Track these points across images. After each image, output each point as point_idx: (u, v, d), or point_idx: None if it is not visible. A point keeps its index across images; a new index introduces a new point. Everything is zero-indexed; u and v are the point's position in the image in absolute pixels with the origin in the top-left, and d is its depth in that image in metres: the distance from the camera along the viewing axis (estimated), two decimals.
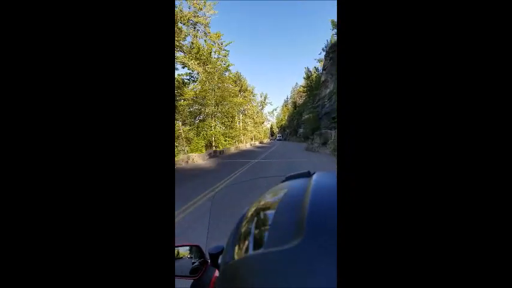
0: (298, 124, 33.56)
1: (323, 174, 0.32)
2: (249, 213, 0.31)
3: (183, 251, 0.67)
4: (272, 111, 64.97)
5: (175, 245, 0.66)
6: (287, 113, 55.05)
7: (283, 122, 56.02)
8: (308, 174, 0.34)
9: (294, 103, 48.95)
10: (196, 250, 0.67)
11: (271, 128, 73.76)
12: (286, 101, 57.96)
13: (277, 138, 57.23)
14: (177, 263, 0.64)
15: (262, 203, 0.32)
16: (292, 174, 0.36)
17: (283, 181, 0.36)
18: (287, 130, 53.97)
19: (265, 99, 49.67)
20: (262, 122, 48.14)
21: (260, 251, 0.24)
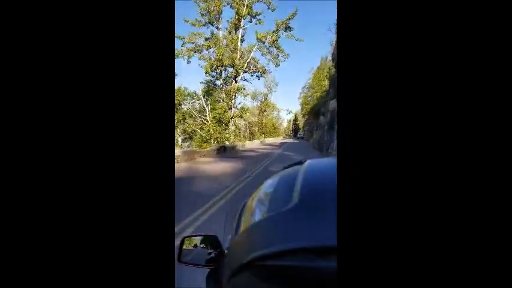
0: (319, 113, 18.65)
1: (315, 160, 0.36)
2: (249, 202, 0.34)
3: (200, 241, 0.68)
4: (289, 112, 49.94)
5: (192, 234, 0.69)
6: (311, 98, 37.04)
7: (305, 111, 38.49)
8: (301, 163, 0.37)
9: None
10: (212, 240, 0.66)
11: (295, 120, 55.92)
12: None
13: (298, 136, 42.22)
14: (193, 253, 0.66)
15: (260, 191, 0.34)
16: (287, 165, 0.39)
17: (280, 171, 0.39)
18: (306, 128, 36.01)
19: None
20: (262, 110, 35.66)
21: (256, 221, 0.27)
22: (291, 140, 33.59)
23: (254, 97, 37.06)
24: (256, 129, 35.97)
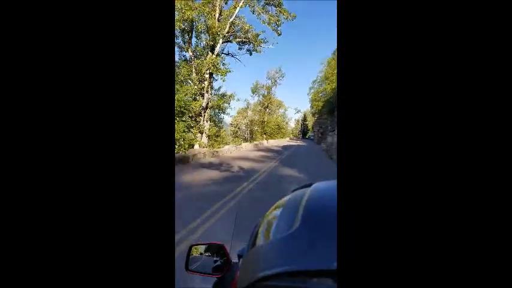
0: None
1: (321, 183, 0.37)
2: (262, 222, 0.35)
3: (206, 249, 0.69)
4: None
5: (199, 242, 0.70)
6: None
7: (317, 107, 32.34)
8: (309, 185, 0.38)
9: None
10: (219, 249, 0.67)
11: (304, 119, 49.98)
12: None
13: (310, 137, 37.74)
14: (200, 261, 0.67)
15: (271, 212, 0.36)
16: (296, 187, 0.41)
17: (290, 193, 0.41)
18: (316, 128, 30.17)
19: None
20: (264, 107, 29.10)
21: (264, 243, 0.29)
22: (297, 143, 27.71)
23: (255, 90, 30.64)
24: (256, 128, 30.01)
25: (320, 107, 30.73)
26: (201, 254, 0.68)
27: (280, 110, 36.81)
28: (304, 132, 50.70)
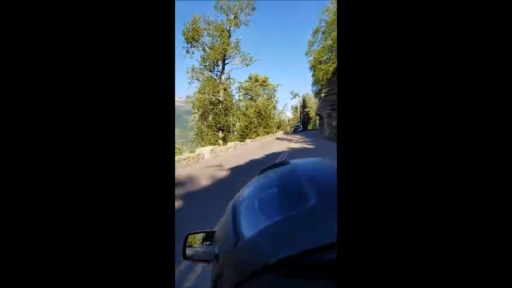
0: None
1: (302, 160, 0.36)
2: (241, 203, 0.33)
3: (204, 238, 0.68)
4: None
5: (196, 231, 0.69)
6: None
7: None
8: (284, 163, 0.36)
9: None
10: (212, 236, 0.68)
11: (304, 106, 37.33)
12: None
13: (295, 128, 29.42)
14: (198, 249, 0.67)
15: (249, 193, 0.34)
16: (266, 166, 0.39)
17: (259, 174, 0.39)
18: (322, 110, 16.38)
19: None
20: None
21: (273, 221, 0.26)
22: (293, 144, 14.36)
23: (194, 35, 15.51)
24: (210, 122, 16.79)
25: (330, 73, 16.68)
26: (198, 241, 0.68)
27: (264, 89, 23.93)
28: (304, 122, 37.74)
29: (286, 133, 26.68)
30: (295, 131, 28.92)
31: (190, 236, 0.68)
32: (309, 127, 37.82)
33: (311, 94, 34.54)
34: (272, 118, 21.86)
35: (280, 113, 32.61)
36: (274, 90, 24.22)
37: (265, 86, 22.90)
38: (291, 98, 36.78)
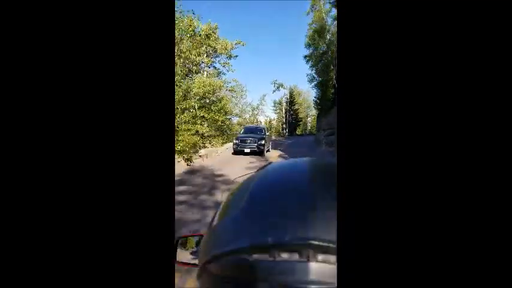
0: None
1: (278, 162, 0.37)
2: (224, 200, 0.35)
3: (190, 241, 0.69)
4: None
5: (187, 234, 0.70)
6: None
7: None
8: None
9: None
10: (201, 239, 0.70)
11: (292, 102, 27.98)
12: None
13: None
14: (188, 252, 0.68)
15: (230, 193, 0.35)
16: (269, 162, 0.40)
17: (260, 169, 0.40)
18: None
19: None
20: None
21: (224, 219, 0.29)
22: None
23: None
24: None
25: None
26: (189, 245, 0.69)
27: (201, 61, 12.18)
28: (291, 123, 27.98)
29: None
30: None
31: (181, 239, 0.67)
32: (298, 131, 28.27)
33: (300, 88, 24.79)
34: (230, 111, 11.43)
35: (254, 109, 22.56)
36: (230, 57, 12.11)
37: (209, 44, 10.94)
38: (273, 91, 26.70)
